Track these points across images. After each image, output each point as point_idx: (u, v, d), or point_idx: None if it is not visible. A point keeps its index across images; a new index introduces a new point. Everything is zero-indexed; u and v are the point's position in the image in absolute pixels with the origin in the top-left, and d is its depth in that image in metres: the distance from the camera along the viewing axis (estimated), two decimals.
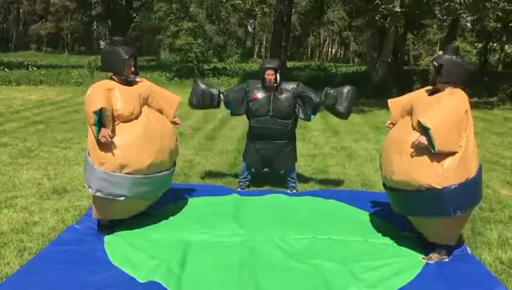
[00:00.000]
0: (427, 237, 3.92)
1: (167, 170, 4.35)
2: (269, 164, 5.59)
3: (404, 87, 17.93)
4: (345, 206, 5.03)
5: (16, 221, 4.46)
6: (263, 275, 3.52)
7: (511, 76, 20.28)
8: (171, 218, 4.62)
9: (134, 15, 28.18)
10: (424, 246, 4.01)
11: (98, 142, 3.88)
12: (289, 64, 27.56)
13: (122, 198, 3.99)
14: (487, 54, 30.39)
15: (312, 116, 5.39)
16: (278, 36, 22.75)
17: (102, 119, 3.82)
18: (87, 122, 3.93)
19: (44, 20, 55.97)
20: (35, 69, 22.29)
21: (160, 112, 4.40)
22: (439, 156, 3.61)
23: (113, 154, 3.89)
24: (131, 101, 4.06)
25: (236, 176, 6.06)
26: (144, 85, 4.32)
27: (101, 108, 3.78)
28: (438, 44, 48.63)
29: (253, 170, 5.70)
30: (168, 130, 4.35)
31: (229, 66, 27.30)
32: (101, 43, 51.55)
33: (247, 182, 5.69)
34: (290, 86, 5.37)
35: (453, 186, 3.58)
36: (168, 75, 21.82)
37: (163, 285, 3.30)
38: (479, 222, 4.74)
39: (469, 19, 24.53)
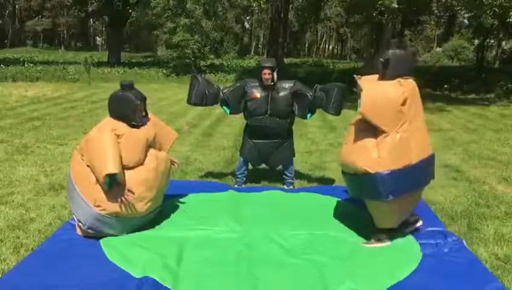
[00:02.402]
0: (374, 220, 4.06)
1: (157, 207, 4.34)
2: (266, 159, 5.60)
3: None
4: (342, 202, 5.03)
5: (13, 217, 4.45)
6: (260, 271, 3.52)
7: (508, 72, 20.33)
8: (167, 214, 4.61)
9: (131, 11, 28.05)
10: (420, 242, 4.03)
11: (96, 186, 3.82)
12: (286, 60, 27.51)
13: (112, 236, 4.00)
14: (484, 51, 30.44)
15: (309, 115, 5.39)
16: (275, 32, 22.72)
17: (116, 179, 3.77)
18: (90, 165, 3.82)
19: (40, 16, 55.76)
20: (32, 65, 22.22)
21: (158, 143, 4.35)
22: (373, 141, 3.79)
23: (112, 202, 3.85)
24: (138, 149, 3.99)
25: (233, 172, 6.06)
26: (151, 126, 4.22)
27: (116, 174, 3.73)
28: (435, 40, 48.72)
29: (250, 165, 5.70)
30: (166, 172, 4.31)
31: (226, 62, 27.24)
32: (98, 39, 51.39)
33: (244, 178, 5.68)
34: (287, 84, 5.36)
35: (386, 172, 3.71)
36: (164, 71, 21.77)
37: (159, 281, 3.30)
38: (476, 218, 4.76)
39: (466, 15, 24.52)
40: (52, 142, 7.78)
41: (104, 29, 48.36)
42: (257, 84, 5.33)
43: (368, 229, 4.30)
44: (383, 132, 3.74)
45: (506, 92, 16.99)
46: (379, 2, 15.26)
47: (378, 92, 3.77)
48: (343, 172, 4.22)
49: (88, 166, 3.89)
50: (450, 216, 4.82)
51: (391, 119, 3.72)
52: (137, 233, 4.10)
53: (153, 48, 36.37)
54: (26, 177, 5.76)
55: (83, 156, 3.95)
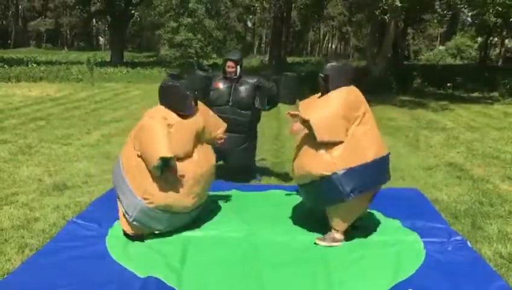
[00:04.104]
0: (330, 221, 4.06)
1: (201, 205, 4.32)
2: (225, 156, 5.42)
3: (404, 82, 17.96)
4: None
5: (17, 217, 4.47)
6: (264, 271, 3.52)
7: (511, 71, 20.26)
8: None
9: (133, 11, 28.10)
10: (424, 241, 4.03)
11: (146, 178, 3.83)
12: (289, 59, 27.53)
13: (157, 231, 4.02)
14: (487, 49, 30.35)
15: (267, 106, 5.51)
16: (278, 31, 22.74)
17: (168, 163, 3.77)
18: (142, 152, 3.83)
19: (43, 17, 55.90)
20: (35, 65, 22.28)
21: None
22: (327, 146, 3.83)
23: (161, 195, 3.85)
24: (188, 140, 3.98)
25: (238, 172, 6.09)
26: (200, 116, 4.18)
27: (170, 158, 3.73)
28: (438, 39, 48.58)
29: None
30: (211, 167, 4.29)
31: None
32: (100, 39, 51.48)
33: None
34: (251, 79, 5.48)
35: (342, 171, 3.76)
36: (167, 71, 21.77)
37: (164, 280, 3.31)
38: (479, 217, 4.75)
39: (469, 13, 24.45)
40: (56, 142, 7.81)
41: (106, 29, 48.42)
42: (221, 76, 5.46)
43: (372, 228, 4.30)
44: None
45: (510, 90, 16.93)
46: (382, 1, 15.23)
47: (323, 114, 3.86)
48: (299, 185, 4.23)
49: (139, 157, 3.88)
50: (454, 215, 4.81)
51: (343, 128, 3.83)
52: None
53: (156, 48, 36.39)
54: (30, 177, 5.79)
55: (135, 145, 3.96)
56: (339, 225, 4.00)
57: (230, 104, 5.37)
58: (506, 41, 33.39)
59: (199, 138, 4.14)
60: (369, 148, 3.86)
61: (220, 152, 5.30)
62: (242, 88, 5.41)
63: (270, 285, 3.35)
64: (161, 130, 3.82)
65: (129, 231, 3.99)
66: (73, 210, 4.68)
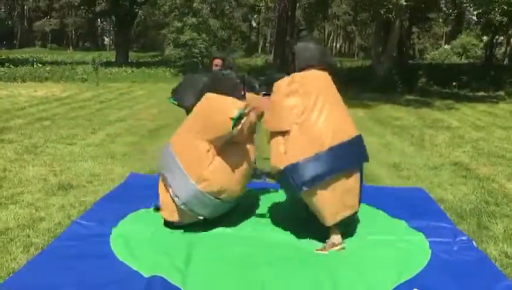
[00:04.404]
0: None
1: (239, 197, 4.38)
2: None
3: (409, 81, 17.90)
4: None
5: (22, 217, 4.49)
6: (269, 270, 3.52)
7: None
8: None
9: (138, 11, 28.15)
10: (429, 241, 4.01)
11: (202, 163, 3.88)
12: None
13: (201, 217, 4.08)
14: (493, 48, 30.17)
15: None
16: (282, 31, 22.67)
17: (242, 115, 3.81)
18: (207, 124, 3.90)
19: (48, 17, 56.11)
20: (40, 65, 22.36)
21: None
22: (281, 140, 3.86)
23: (216, 180, 3.90)
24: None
25: None
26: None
27: (244, 107, 3.80)
28: (444, 38, 48.36)
29: None
30: (252, 161, 4.36)
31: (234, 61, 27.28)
32: (106, 39, 51.62)
33: None
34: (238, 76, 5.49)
35: (294, 163, 3.74)
36: (172, 70, 21.83)
37: (168, 279, 3.31)
38: (485, 216, 4.73)
39: (474, 12, 24.33)
40: (61, 142, 7.83)
41: (111, 29, 48.54)
42: (205, 75, 5.44)
43: (379, 228, 4.29)
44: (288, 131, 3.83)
45: None
46: (387, 0, 15.19)
47: (271, 104, 3.99)
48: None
49: (196, 140, 3.93)
50: (459, 214, 4.79)
51: (287, 117, 3.83)
52: (145, 232, 4.12)
53: (161, 48, 36.47)
54: (35, 177, 5.80)
55: (190, 131, 4.02)
56: (326, 220, 3.88)
57: None
58: None
59: (251, 127, 4.22)
60: (323, 136, 3.76)
61: None
62: None
63: (274, 285, 3.35)
64: (218, 96, 3.95)
65: (171, 218, 4.10)
66: (78, 209, 4.69)
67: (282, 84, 3.98)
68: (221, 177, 3.92)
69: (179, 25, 21.40)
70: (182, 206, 3.99)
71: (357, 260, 3.73)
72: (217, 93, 4.06)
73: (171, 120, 10.26)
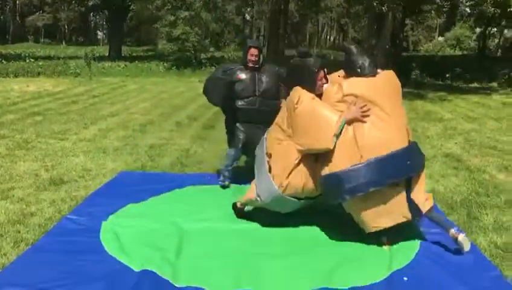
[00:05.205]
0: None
1: None
2: (248, 149, 5.17)
3: (403, 73, 17.90)
4: None
5: (13, 212, 4.47)
6: (260, 262, 3.54)
7: (510, 61, 20.20)
8: (167, 207, 4.63)
9: (130, 4, 27.96)
10: (419, 230, 4.03)
11: (285, 170, 3.89)
12: (287, 52, 27.42)
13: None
14: (486, 39, 30.21)
15: None
16: (276, 24, 22.63)
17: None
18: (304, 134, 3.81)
19: (41, 11, 55.62)
20: (33, 60, 22.19)
21: None
22: None
23: (297, 182, 3.91)
24: None
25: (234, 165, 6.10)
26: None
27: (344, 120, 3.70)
28: (437, 30, 48.37)
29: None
30: None
31: (227, 54, 27.17)
32: (99, 33, 51.28)
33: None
34: (272, 67, 5.27)
35: (334, 173, 3.70)
36: (165, 64, 21.73)
37: (158, 274, 3.31)
38: (475, 207, 4.76)
39: (467, 3, 24.34)
40: (53, 137, 7.79)
41: (104, 23, 48.21)
42: (240, 66, 5.15)
43: None
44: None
45: (508, 80, 16.90)
46: None
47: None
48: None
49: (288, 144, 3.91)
50: (450, 205, 4.82)
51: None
52: (136, 226, 4.12)
53: (154, 42, 36.32)
54: (26, 172, 5.78)
55: (284, 131, 3.97)
56: (366, 228, 3.84)
57: (257, 94, 5.07)
58: (505, 31, 33.21)
59: None
60: (365, 148, 3.67)
61: (244, 145, 5.18)
62: (265, 77, 5.12)
63: (265, 276, 3.36)
64: (317, 106, 3.80)
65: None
66: (69, 205, 4.68)
67: (331, 92, 3.87)
68: (299, 182, 3.92)
69: (172, 18, 21.27)
70: (261, 204, 4.13)
71: (346, 251, 3.76)
72: (295, 84, 3.99)
73: (164, 114, 10.24)
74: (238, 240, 3.94)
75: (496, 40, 34.54)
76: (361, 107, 3.67)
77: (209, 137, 8.06)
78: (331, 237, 3.99)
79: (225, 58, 24.88)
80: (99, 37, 53.38)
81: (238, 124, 5.21)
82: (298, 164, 3.88)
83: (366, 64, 3.85)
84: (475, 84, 17.70)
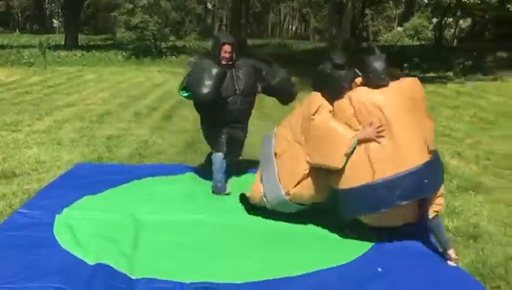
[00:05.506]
0: None
1: None
2: (231, 151, 4.95)
3: None
4: None
5: None
6: (219, 255, 3.53)
7: (465, 50, 20.83)
8: (124, 199, 4.55)
9: None
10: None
11: (293, 177, 3.85)
12: (249, 41, 27.32)
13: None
14: (442, 29, 31.01)
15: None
16: (237, 13, 22.49)
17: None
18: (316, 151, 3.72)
19: None
20: None
21: None
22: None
23: (304, 192, 3.87)
24: None
25: (194, 154, 6.05)
26: None
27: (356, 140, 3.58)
28: (396, 20, 49.31)
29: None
30: None
31: (188, 43, 26.79)
32: (54, 21, 49.53)
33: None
34: (246, 62, 4.95)
35: (344, 188, 3.64)
36: (124, 54, 21.22)
37: (113, 266, 3.25)
38: None
39: None
40: (5, 128, 7.49)
41: (60, 11, 46.59)
42: (214, 64, 4.60)
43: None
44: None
45: (463, 69, 17.42)
46: None
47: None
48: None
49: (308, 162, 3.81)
50: None
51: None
52: (92, 218, 4.02)
53: (112, 30, 35.41)
54: None
55: (295, 134, 3.90)
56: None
57: (238, 92, 4.73)
58: (461, 21, 34.20)
59: None
60: (375, 165, 3.54)
61: (226, 146, 4.87)
62: (242, 73, 4.77)
63: (222, 266, 3.35)
64: (333, 123, 3.68)
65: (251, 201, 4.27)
66: (20, 198, 4.52)
67: (342, 106, 3.70)
68: (307, 193, 3.88)
69: (130, 6, 20.77)
70: (268, 205, 4.09)
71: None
72: (320, 90, 3.88)
73: (122, 105, 10.02)
74: (195, 230, 3.90)
75: (452, 30, 35.52)
76: (377, 128, 3.52)
77: (169, 127, 7.96)
78: (292, 231, 4.01)
79: (186, 48, 24.53)
80: (55, 25, 51.54)
81: (218, 126, 4.84)
82: (307, 175, 3.82)
83: (380, 70, 3.64)
84: (432, 74, 18.15)
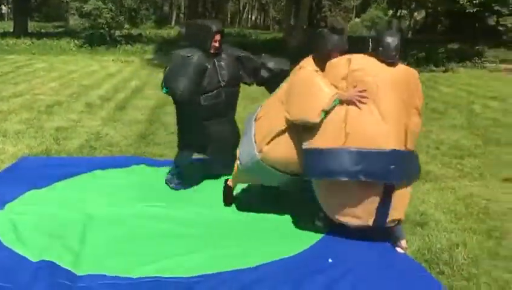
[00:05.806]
0: None
1: None
2: (219, 150, 4.60)
3: None
4: None
5: None
6: (166, 247, 3.46)
7: (419, 42, 21.38)
8: (72, 192, 4.40)
9: None
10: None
11: (273, 135, 3.70)
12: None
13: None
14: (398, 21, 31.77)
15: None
16: (195, 1, 22.18)
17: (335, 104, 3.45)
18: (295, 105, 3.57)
19: None
20: None
21: None
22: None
23: (276, 154, 3.72)
24: None
25: (147, 146, 5.94)
26: None
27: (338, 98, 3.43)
28: (354, 11, 50.06)
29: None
30: None
31: (145, 32, 26.23)
32: (3, 8, 47.40)
33: None
34: (229, 51, 4.54)
35: (315, 148, 3.53)
36: (77, 42, 20.57)
37: (57, 263, 3.12)
38: None
39: None
40: None
41: None
42: (197, 54, 4.18)
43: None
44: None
45: (417, 60, 17.88)
46: None
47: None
48: None
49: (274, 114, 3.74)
50: None
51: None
52: (36, 214, 3.87)
53: (64, 17, 34.23)
54: None
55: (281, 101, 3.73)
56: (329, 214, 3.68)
57: (222, 84, 4.37)
58: (415, 14, 35.10)
59: None
60: (352, 133, 3.44)
61: (212, 145, 4.54)
62: (225, 63, 4.41)
63: (171, 259, 3.29)
64: (315, 77, 3.57)
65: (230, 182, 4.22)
66: None
67: (336, 64, 3.56)
68: (280, 152, 3.70)
69: None
70: (241, 168, 3.98)
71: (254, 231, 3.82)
72: (314, 51, 3.75)
73: (74, 95, 9.70)
74: (146, 224, 3.81)
75: (407, 22, 36.40)
76: (361, 92, 3.36)
77: (122, 118, 7.76)
78: (244, 221, 3.99)
79: (142, 36, 24.01)
80: (3, 11, 49.30)
81: (201, 123, 4.43)
82: (283, 132, 3.69)
83: (392, 46, 3.46)
84: None
